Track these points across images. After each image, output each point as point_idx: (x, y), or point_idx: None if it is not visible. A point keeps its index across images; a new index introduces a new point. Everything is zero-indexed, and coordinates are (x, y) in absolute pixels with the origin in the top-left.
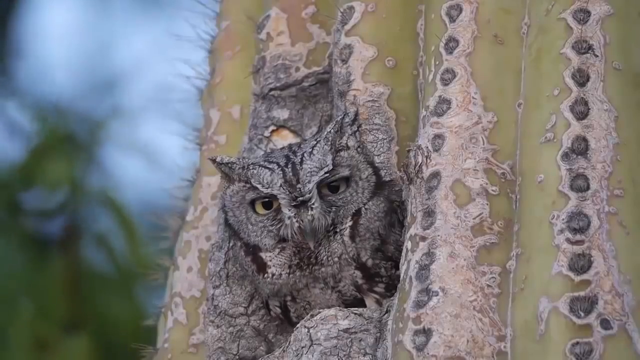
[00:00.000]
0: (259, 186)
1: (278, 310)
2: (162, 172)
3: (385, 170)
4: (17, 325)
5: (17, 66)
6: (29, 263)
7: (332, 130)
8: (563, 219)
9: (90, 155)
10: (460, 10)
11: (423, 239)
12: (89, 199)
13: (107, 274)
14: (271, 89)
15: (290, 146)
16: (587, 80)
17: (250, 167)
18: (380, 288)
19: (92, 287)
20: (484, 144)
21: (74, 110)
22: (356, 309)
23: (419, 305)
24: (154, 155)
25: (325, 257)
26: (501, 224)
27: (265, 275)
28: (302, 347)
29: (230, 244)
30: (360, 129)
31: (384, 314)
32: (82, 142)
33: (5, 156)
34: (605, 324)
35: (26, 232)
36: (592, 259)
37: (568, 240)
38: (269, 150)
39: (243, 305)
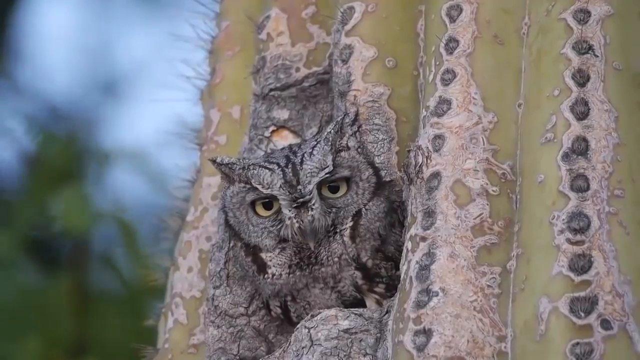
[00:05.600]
0: (259, 187)
1: (279, 310)
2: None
3: (385, 171)
4: (25, 348)
5: (18, 68)
6: (36, 284)
7: (332, 131)
8: (563, 219)
9: (99, 176)
10: (461, 11)
11: (423, 239)
12: (97, 220)
13: (115, 296)
14: (271, 89)
15: (290, 146)
16: (587, 80)
17: (251, 168)
18: (380, 288)
19: (99, 309)
20: (484, 144)
21: (77, 119)
22: (356, 309)
23: (419, 305)
24: (160, 177)
25: (325, 257)
26: (501, 224)
27: (266, 275)
28: (303, 348)
29: (231, 245)
30: (360, 129)
31: (384, 315)
32: (90, 163)
33: (12, 177)
34: (605, 324)
35: (33, 254)
36: (592, 259)
37: (568, 240)
38: (269, 151)
39: (243, 305)
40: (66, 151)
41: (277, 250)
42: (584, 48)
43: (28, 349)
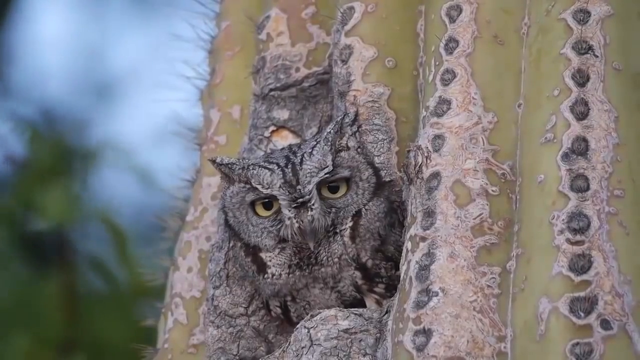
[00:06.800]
0: (258, 187)
1: (279, 310)
2: (158, 190)
3: (385, 171)
4: (14, 346)
5: (11, 71)
6: (26, 283)
7: (332, 131)
8: (563, 220)
9: (87, 175)
10: (460, 11)
11: (423, 239)
12: (85, 219)
13: (103, 295)
14: (271, 90)
15: (290, 147)
16: (587, 80)
17: (250, 168)
18: (380, 288)
19: (88, 307)
20: (484, 144)
21: (69, 121)
22: (356, 309)
23: (419, 305)
24: (150, 175)
25: (325, 257)
26: (501, 224)
27: (265, 275)
28: (302, 348)
29: (230, 245)
30: (360, 129)
31: (384, 315)
32: (78, 162)
33: (0, 176)
34: (605, 324)
35: (22, 253)
36: (592, 259)
37: (568, 240)
38: (269, 151)
39: (243, 305)
40: (55, 150)
41: (277, 250)
42: (583, 48)
43: (17, 347)
